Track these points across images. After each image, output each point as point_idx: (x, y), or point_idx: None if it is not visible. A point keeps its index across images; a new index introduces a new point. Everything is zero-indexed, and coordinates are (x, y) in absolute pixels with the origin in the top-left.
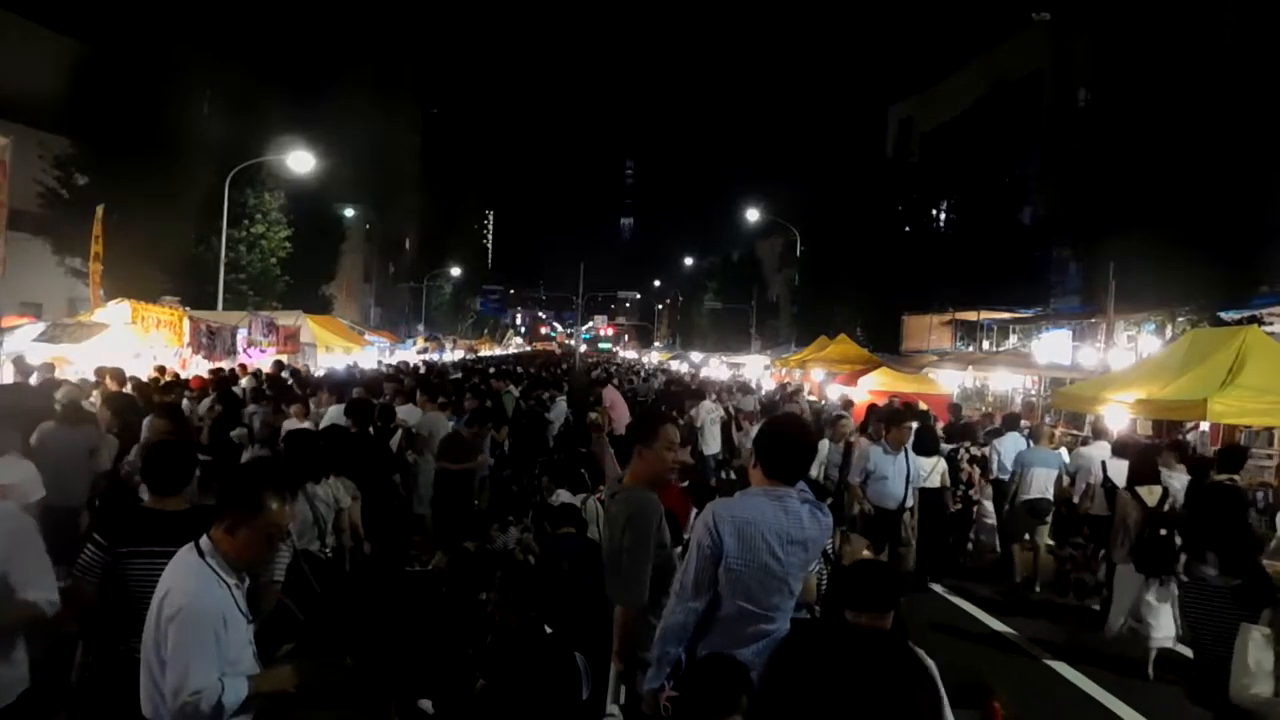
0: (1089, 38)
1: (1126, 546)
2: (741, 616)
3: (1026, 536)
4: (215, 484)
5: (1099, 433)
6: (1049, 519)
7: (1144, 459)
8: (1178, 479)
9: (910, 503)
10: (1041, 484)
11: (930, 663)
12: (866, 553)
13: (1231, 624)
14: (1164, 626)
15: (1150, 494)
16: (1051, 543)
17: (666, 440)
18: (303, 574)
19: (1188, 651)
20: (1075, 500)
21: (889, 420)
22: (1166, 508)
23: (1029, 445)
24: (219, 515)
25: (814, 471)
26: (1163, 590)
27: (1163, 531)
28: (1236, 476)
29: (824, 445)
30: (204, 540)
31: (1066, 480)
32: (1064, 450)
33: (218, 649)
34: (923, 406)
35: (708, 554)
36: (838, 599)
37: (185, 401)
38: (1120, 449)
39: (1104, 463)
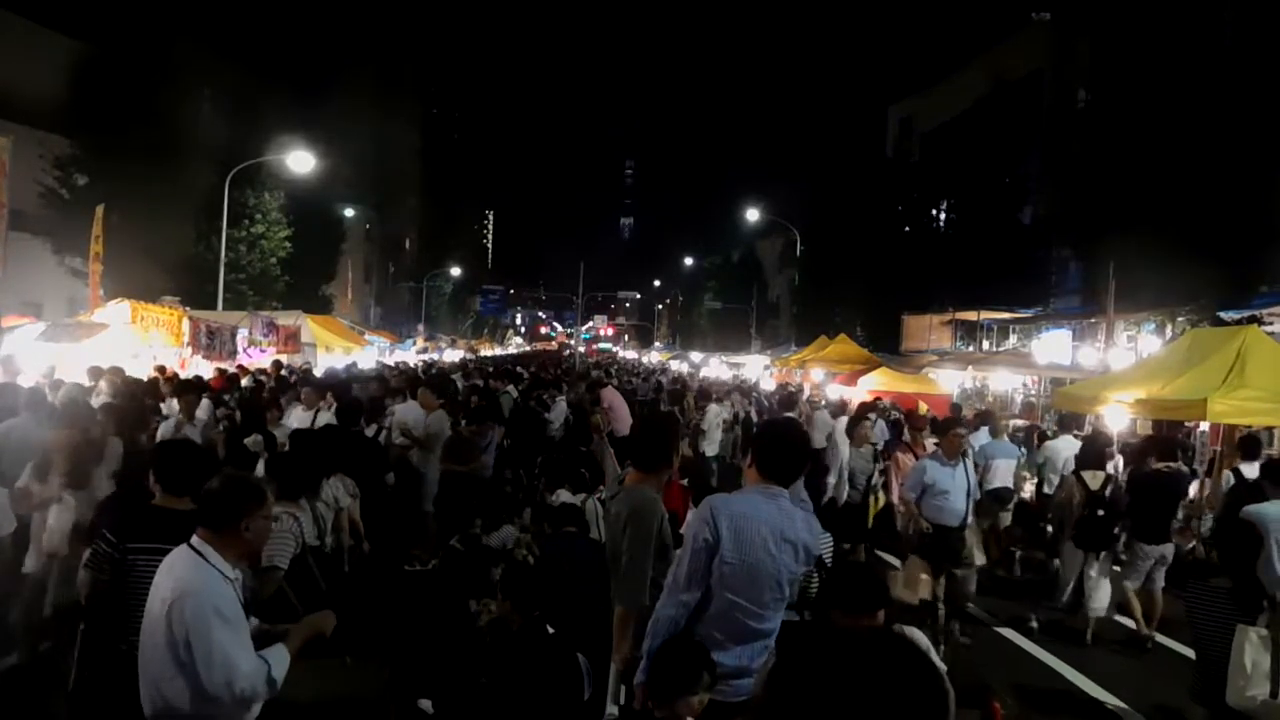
0: (1089, 38)
1: (1070, 526)
2: (732, 611)
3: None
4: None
5: (1065, 426)
6: (1011, 505)
7: (1091, 447)
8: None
9: (971, 519)
10: (1003, 474)
11: (928, 646)
12: (925, 576)
13: (1229, 625)
14: (1101, 598)
15: (1094, 478)
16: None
17: (667, 475)
18: (308, 568)
19: (1128, 621)
20: (1049, 491)
21: (941, 428)
22: (1109, 492)
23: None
24: (226, 521)
25: (831, 479)
26: (1102, 565)
27: (1100, 512)
28: (1173, 464)
29: (844, 449)
30: (196, 541)
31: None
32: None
33: (245, 632)
34: (922, 408)
35: (702, 547)
36: (826, 601)
37: (206, 403)
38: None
39: (1074, 456)
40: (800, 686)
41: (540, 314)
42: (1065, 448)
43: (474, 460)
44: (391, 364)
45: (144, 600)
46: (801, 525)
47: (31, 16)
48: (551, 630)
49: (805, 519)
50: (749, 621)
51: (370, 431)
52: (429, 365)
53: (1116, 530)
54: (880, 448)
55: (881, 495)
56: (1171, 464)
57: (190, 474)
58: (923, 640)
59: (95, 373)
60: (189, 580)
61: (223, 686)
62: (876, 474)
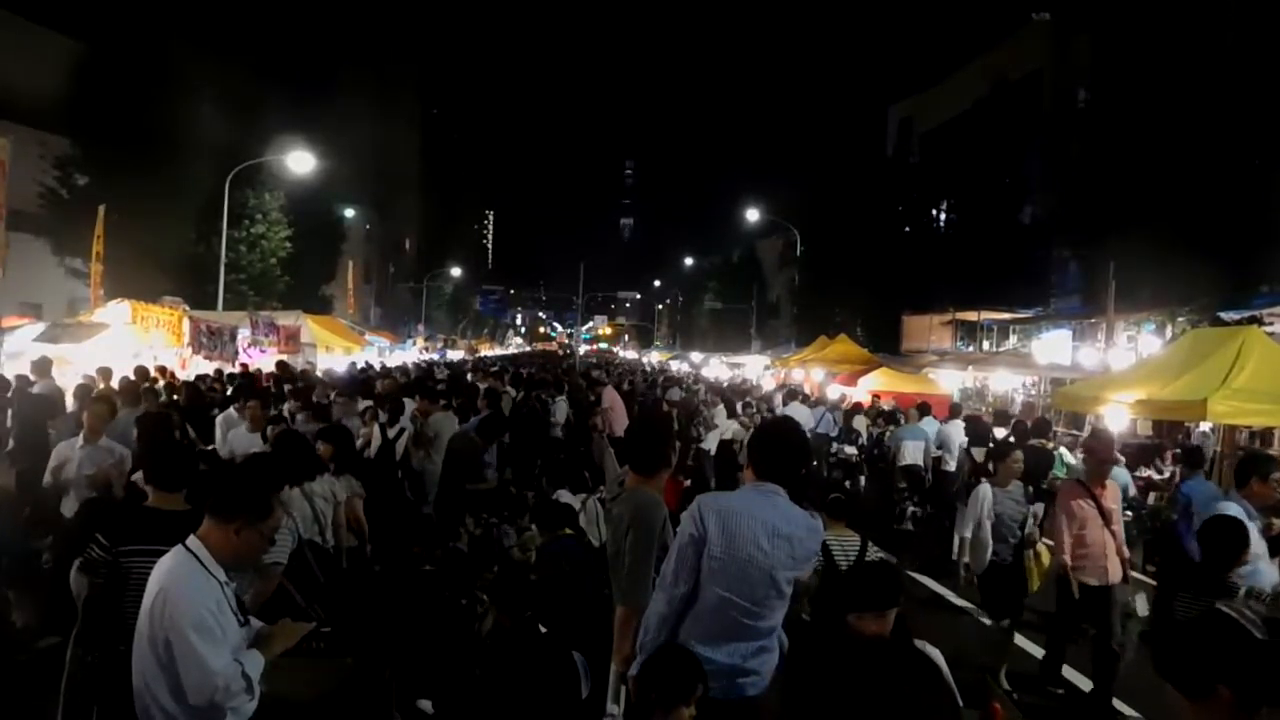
0: (1089, 38)
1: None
2: (723, 607)
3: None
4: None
5: (955, 414)
6: (922, 479)
7: (975, 429)
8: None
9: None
10: (912, 453)
11: (941, 663)
12: None
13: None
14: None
15: (980, 453)
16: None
17: (666, 477)
18: (306, 563)
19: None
20: (950, 468)
21: (1246, 468)
22: (991, 464)
23: (902, 423)
24: (224, 515)
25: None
26: (985, 522)
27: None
28: (1046, 440)
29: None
30: (192, 540)
31: (936, 451)
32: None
33: (224, 635)
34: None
35: (688, 541)
36: (839, 602)
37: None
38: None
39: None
40: (816, 697)
41: (540, 314)
42: (956, 431)
43: (483, 479)
44: (410, 365)
45: (139, 602)
46: (797, 520)
47: (31, 16)
48: (545, 630)
49: (803, 516)
50: (742, 619)
51: (392, 432)
52: (428, 366)
53: None
54: (835, 434)
55: (1044, 552)
56: (1045, 440)
57: (182, 470)
58: (936, 655)
59: (105, 374)
60: (172, 580)
61: (197, 688)
62: (1030, 520)
